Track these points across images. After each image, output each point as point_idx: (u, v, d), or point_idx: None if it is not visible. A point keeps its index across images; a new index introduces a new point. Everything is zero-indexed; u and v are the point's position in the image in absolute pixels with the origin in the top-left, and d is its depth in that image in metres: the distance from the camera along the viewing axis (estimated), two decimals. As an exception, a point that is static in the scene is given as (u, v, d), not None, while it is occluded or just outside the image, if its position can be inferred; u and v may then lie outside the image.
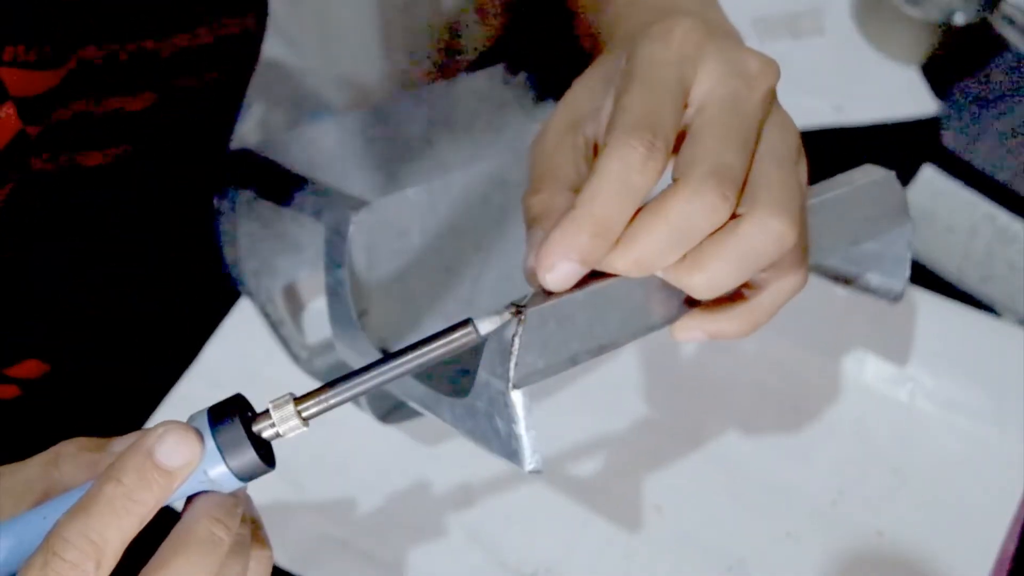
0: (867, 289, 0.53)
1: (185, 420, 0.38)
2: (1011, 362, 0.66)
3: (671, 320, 0.43)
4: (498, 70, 0.70)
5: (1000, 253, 0.75)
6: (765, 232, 0.38)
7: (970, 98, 0.83)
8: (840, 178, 0.47)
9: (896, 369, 0.66)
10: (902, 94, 0.83)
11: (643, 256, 0.38)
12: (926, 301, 0.68)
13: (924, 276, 0.73)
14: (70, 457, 0.39)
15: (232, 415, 0.37)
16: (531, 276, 0.40)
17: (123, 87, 0.53)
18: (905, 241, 0.50)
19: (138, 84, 0.53)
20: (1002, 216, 0.77)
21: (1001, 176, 0.79)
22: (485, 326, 0.38)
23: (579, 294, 0.39)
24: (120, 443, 0.39)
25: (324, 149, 0.65)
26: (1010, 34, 0.86)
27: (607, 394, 0.65)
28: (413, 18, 0.72)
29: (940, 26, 0.81)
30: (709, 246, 0.39)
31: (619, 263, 0.38)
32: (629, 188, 0.37)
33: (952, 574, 0.61)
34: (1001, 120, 0.82)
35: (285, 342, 0.65)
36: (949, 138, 0.80)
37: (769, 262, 0.39)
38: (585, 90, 0.44)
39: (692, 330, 0.43)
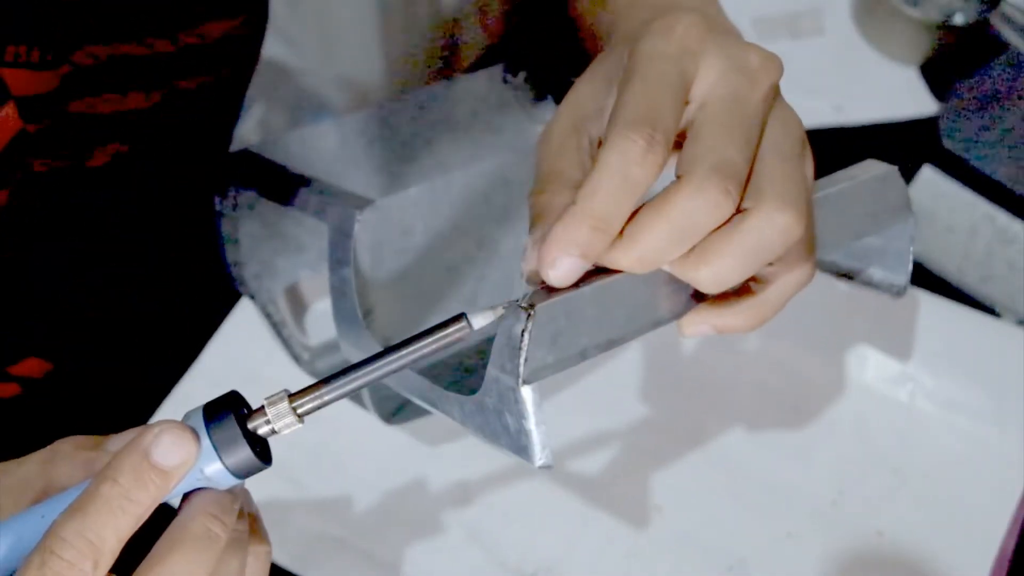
0: (870, 284, 0.53)
1: (181, 418, 0.38)
2: (1011, 362, 0.66)
3: (679, 314, 0.43)
4: (497, 70, 0.70)
5: (1000, 253, 0.75)
6: (771, 226, 0.38)
7: (970, 98, 0.83)
8: (842, 173, 0.47)
9: (897, 369, 0.66)
10: (902, 94, 0.83)
11: (646, 253, 0.38)
12: (926, 301, 0.68)
13: (924, 276, 0.73)
14: (66, 456, 0.39)
15: (227, 412, 0.37)
16: (529, 275, 0.40)
17: (123, 87, 0.53)
18: (907, 236, 0.50)
19: (138, 84, 0.53)
20: (1002, 216, 0.77)
21: (1001, 176, 0.79)
22: (478, 320, 0.38)
23: (587, 289, 0.39)
24: (116, 441, 0.39)
25: (324, 151, 0.65)
26: (1010, 34, 0.86)
27: (608, 394, 0.65)
28: (413, 18, 0.72)
29: (940, 26, 0.82)
30: (715, 241, 0.39)
31: (623, 260, 0.39)
32: (629, 182, 0.38)
33: (952, 574, 0.61)
34: (1001, 120, 0.82)
35: (287, 343, 0.65)
36: (948, 138, 0.80)
37: (775, 256, 0.40)
38: (588, 89, 0.44)
39: (699, 324, 0.43)
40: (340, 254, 0.52)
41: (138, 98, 0.54)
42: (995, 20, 0.86)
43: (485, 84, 0.69)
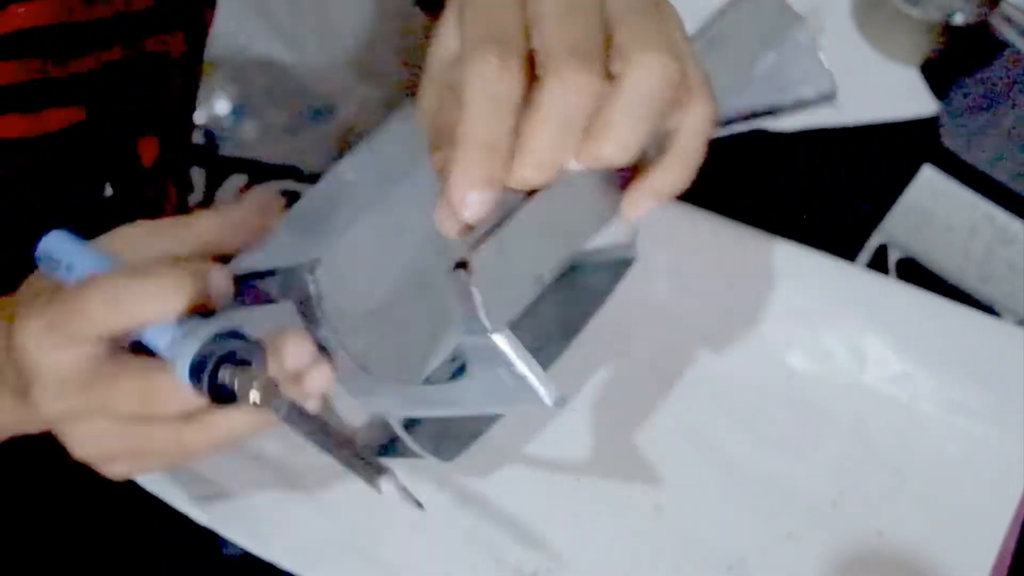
0: (803, 105, 0.51)
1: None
2: (1011, 362, 0.66)
3: (615, 208, 0.42)
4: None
5: (1000, 253, 0.75)
6: (647, 75, 0.38)
7: (970, 98, 0.83)
8: (716, 11, 0.46)
9: (897, 369, 0.66)
10: (902, 94, 0.83)
11: (542, 157, 0.38)
12: (926, 301, 0.68)
13: (924, 276, 0.73)
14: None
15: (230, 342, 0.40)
16: (443, 224, 0.40)
17: (71, 52, 0.52)
18: (809, 39, 0.49)
19: (86, 47, 0.52)
20: (1001, 216, 0.77)
21: (1000, 176, 0.79)
22: (386, 487, 0.44)
23: (511, 223, 0.38)
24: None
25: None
26: (1010, 34, 0.86)
27: (606, 394, 0.65)
28: (413, 19, 0.72)
29: (940, 26, 0.82)
30: (603, 114, 0.38)
31: (524, 173, 0.38)
32: (498, 100, 0.37)
33: (952, 574, 0.61)
34: (1000, 120, 0.82)
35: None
36: (948, 138, 0.80)
37: (666, 102, 0.39)
38: (444, 33, 0.43)
39: (638, 201, 0.42)
40: (311, 317, 0.51)
41: (88, 62, 0.53)
42: (995, 20, 0.86)
43: None
